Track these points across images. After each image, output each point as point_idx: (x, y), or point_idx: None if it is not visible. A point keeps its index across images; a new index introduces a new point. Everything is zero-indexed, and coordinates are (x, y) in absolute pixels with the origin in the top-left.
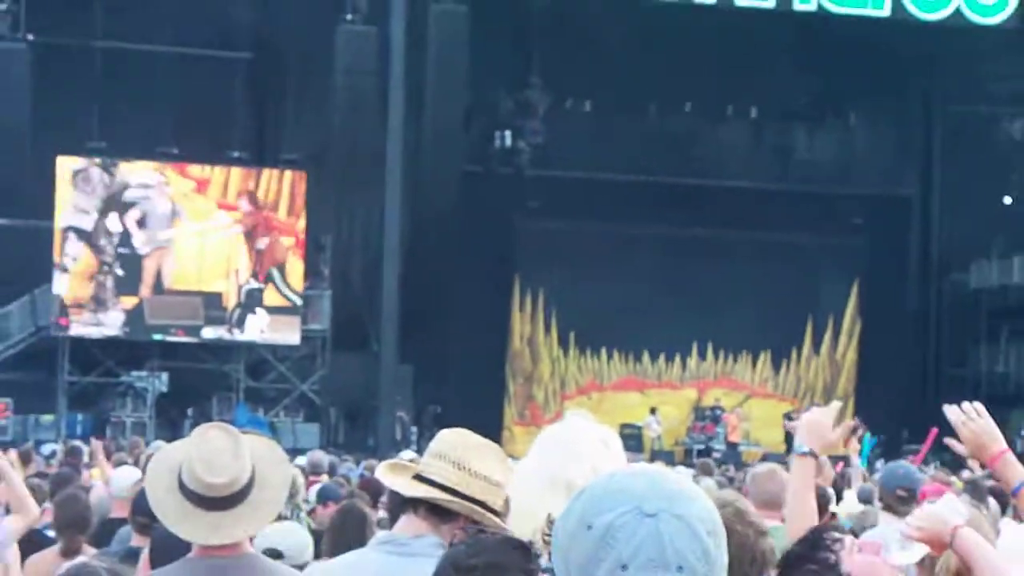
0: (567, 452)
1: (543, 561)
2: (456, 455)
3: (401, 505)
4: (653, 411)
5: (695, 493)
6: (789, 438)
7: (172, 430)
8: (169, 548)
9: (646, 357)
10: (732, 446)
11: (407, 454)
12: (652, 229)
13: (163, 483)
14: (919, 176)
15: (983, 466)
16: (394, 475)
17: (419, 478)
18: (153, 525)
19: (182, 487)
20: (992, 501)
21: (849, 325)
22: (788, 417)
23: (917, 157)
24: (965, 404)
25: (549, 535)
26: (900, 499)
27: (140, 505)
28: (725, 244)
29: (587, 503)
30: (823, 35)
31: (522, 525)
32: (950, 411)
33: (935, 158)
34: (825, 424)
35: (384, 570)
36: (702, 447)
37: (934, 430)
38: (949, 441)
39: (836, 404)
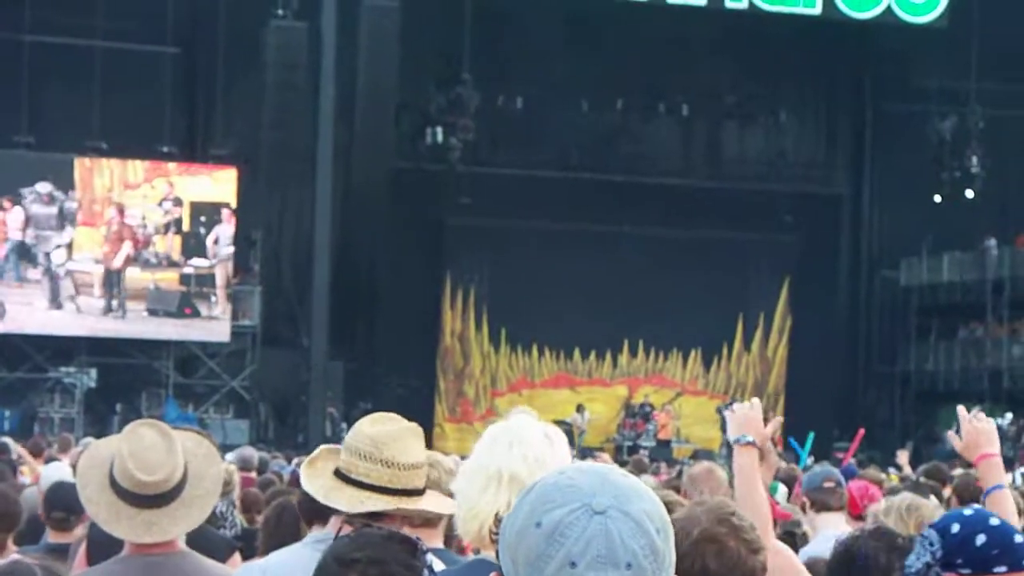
0: (512, 448)
1: (490, 555)
2: (384, 454)
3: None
4: (579, 408)
5: (644, 490)
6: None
7: (100, 426)
8: (108, 544)
9: (577, 354)
10: (663, 443)
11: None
12: (583, 226)
13: (94, 481)
14: (850, 174)
15: (969, 466)
16: (317, 478)
17: (346, 479)
18: (92, 523)
19: (114, 484)
20: (933, 498)
21: (780, 322)
22: (721, 410)
23: (848, 155)
24: (974, 409)
25: (497, 533)
26: (829, 490)
27: (53, 501)
28: (656, 241)
29: (536, 500)
30: (754, 33)
31: (469, 523)
32: (961, 410)
33: (866, 156)
34: (757, 418)
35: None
36: (631, 444)
37: (861, 430)
38: (950, 434)
39: (756, 401)
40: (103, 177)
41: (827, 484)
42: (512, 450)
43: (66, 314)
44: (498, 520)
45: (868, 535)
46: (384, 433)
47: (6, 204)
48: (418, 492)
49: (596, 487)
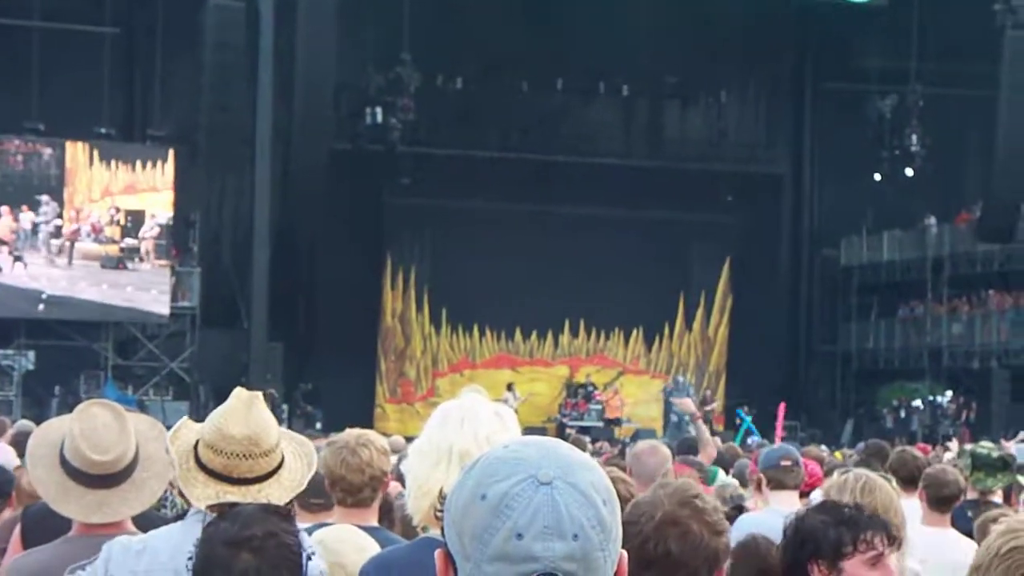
0: (463, 426)
1: (437, 533)
2: (245, 447)
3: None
4: (510, 387)
5: (589, 463)
6: (666, 415)
7: (39, 409)
8: (44, 526)
9: (518, 334)
10: (613, 423)
11: None
12: (524, 206)
13: (44, 460)
14: (790, 153)
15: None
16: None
17: (207, 470)
18: (27, 505)
19: (64, 464)
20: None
21: (721, 301)
22: (667, 391)
23: (788, 135)
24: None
25: (442, 510)
26: (786, 468)
27: None
28: (597, 221)
29: (481, 473)
30: (695, 13)
31: (419, 500)
32: None
33: (806, 136)
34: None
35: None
36: (574, 424)
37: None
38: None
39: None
40: (41, 161)
41: (784, 463)
42: (463, 427)
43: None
44: (442, 496)
45: (814, 510)
46: (241, 422)
47: None
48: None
49: (542, 459)
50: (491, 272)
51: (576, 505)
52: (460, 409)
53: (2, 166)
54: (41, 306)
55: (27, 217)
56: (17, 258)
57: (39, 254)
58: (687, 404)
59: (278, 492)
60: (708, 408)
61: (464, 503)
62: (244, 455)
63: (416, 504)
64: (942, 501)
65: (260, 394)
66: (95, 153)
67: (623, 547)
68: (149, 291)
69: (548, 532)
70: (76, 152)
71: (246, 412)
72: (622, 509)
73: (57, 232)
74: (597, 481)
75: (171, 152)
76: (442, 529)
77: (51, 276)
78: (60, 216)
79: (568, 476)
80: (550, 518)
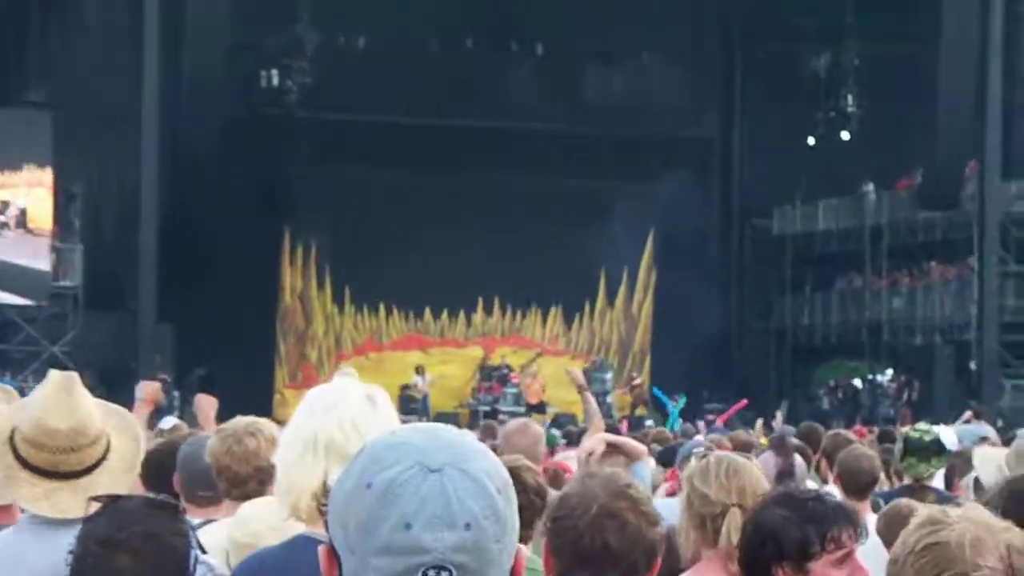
0: (329, 413)
1: (316, 531)
2: (71, 439)
3: None
4: (419, 370)
5: (481, 449)
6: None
7: None
8: None
9: (428, 313)
10: (534, 408)
11: (168, 421)
12: (433, 175)
13: None
14: (719, 117)
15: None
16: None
17: (31, 467)
18: None
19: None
20: (798, 458)
21: (645, 276)
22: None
23: (717, 97)
24: None
25: (325, 504)
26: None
27: None
28: (513, 191)
29: (366, 461)
30: None
31: (286, 495)
32: None
33: (736, 98)
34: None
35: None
36: (488, 409)
37: (744, 401)
38: None
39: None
40: None
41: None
42: (329, 415)
43: None
44: (326, 490)
45: (774, 503)
46: (57, 415)
47: None
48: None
49: (430, 445)
50: (398, 246)
51: (468, 493)
52: (328, 395)
53: None
54: None
55: None
56: None
57: None
58: (576, 374)
59: (109, 480)
60: (635, 384)
61: (348, 493)
62: (71, 448)
63: (284, 498)
64: (859, 488)
65: (76, 375)
66: None
67: (556, 543)
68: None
69: (438, 521)
70: None
71: (68, 400)
72: (533, 499)
73: None
74: (491, 468)
75: (49, 119)
76: (325, 524)
77: None
78: None
79: (459, 463)
80: (440, 506)
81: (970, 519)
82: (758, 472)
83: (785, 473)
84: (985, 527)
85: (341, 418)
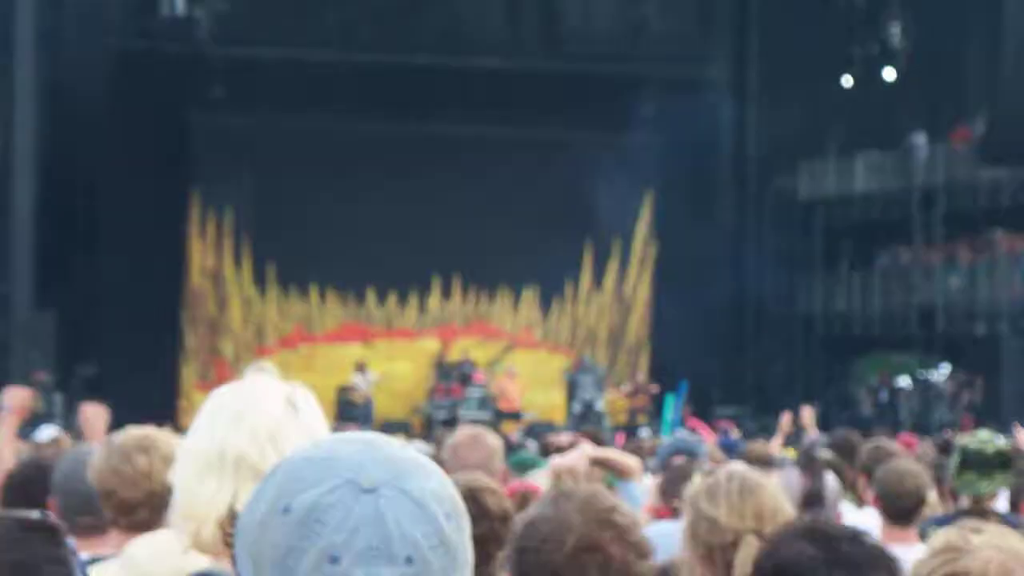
0: (239, 421)
1: (220, 568)
2: None
3: None
4: (360, 367)
5: (427, 465)
6: (570, 403)
7: None
8: None
9: (371, 297)
10: (507, 416)
11: (47, 432)
12: (377, 125)
13: None
14: (730, 52)
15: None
16: None
17: None
18: None
19: None
20: (830, 477)
21: (641, 250)
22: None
23: (727, 28)
24: None
25: (232, 533)
26: (680, 468)
27: None
28: (475, 144)
29: (283, 479)
30: None
31: (187, 522)
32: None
33: (752, 29)
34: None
35: None
36: (447, 416)
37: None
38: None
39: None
40: None
41: (676, 460)
42: (239, 424)
43: None
44: (233, 515)
45: (799, 535)
46: None
47: None
48: None
49: (364, 459)
50: (334, 214)
51: (409, 519)
52: (236, 398)
53: None
54: None
55: None
56: None
57: None
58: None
59: None
60: (645, 391)
61: (261, 518)
62: None
63: (183, 527)
64: (902, 513)
65: None
66: None
67: None
68: None
69: (373, 554)
70: None
71: None
72: (496, 527)
73: None
74: (438, 489)
75: None
76: (233, 558)
77: None
78: None
79: (399, 482)
80: (376, 536)
81: (996, 545)
82: (778, 491)
83: (813, 496)
84: (1014, 555)
85: (254, 427)
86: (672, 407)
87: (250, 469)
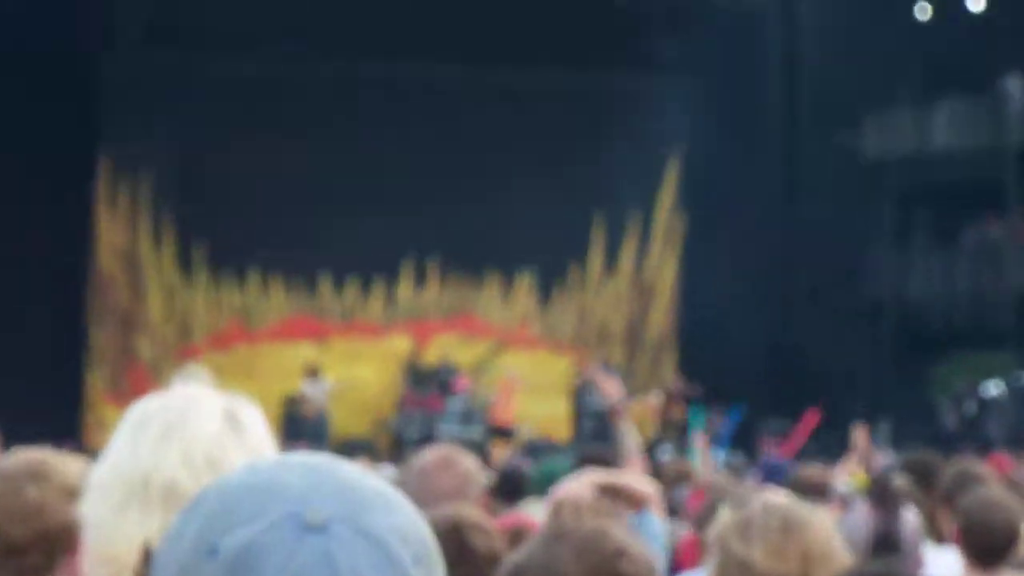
0: (167, 440)
1: None
2: None
3: None
4: (312, 372)
5: (393, 498)
6: (580, 416)
7: None
8: None
9: (326, 283)
10: (500, 432)
11: None
12: (332, 67)
13: None
14: None
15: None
16: None
17: None
18: None
19: None
20: (908, 514)
21: (665, 226)
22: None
23: None
24: None
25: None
26: None
27: None
28: (456, 89)
29: (209, 513)
30: None
31: (103, 567)
32: None
33: None
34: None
35: None
36: (420, 434)
37: (812, 413)
38: None
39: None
40: None
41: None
42: (168, 443)
43: None
44: (147, 554)
45: None
46: None
47: None
48: None
49: (310, 489)
50: (279, 181)
51: (367, 564)
52: (164, 412)
53: None
54: None
55: None
56: None
57: None
58: (609, 387)
59: None
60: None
61: (183, 562)
62: None
63: (96, 570)
64: (989, 552)
65: None
66: None
67: None
68: None
69: None
70: None
71: None
72: (482, 569)
73: None
74: (404, 526)
75: None
76: None
77: None
78: None
79: (355, 517)
80: None
81: None
82: (830, 529)
83: (886, 537)
84: None
85: (188, 448)
86: (721, 425)
87: (182, 500)
